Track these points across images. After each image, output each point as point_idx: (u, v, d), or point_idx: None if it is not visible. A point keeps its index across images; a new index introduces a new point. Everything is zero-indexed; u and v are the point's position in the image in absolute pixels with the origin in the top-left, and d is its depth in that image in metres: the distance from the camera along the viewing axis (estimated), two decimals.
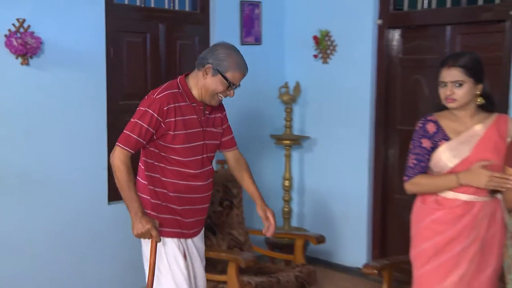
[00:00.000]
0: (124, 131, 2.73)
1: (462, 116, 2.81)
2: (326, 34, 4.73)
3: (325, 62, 4.78)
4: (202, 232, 3.16)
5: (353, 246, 4.80)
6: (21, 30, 3.38)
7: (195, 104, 2.84)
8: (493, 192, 2.78)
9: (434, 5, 4.37)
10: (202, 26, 4.54)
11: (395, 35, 4.56)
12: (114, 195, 3.95)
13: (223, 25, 4.58)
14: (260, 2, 4.81)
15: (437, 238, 2.84)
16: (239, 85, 2.85)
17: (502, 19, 3.91)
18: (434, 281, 2.84)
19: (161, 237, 2.86)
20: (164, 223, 2.88)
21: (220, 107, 3.02)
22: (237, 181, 3.44)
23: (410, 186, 2.91)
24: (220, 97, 2.82)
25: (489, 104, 2.83)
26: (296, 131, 5.01)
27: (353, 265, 4.67)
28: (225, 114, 3.08)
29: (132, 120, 2.72)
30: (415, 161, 2.89)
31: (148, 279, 2.89)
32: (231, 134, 3.10)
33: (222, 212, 3.96)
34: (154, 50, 4.25)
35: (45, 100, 3.60)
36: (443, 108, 2.86)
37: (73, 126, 3.76)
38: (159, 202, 2.85)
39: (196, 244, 3.07)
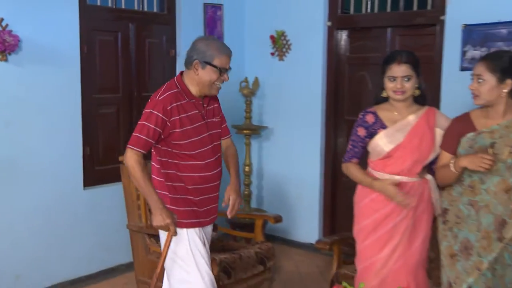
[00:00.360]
0: (133, 133, 2.74)
1: (400, 107, 2.92)
2: (281, 34, 4.91)
3: (281, 59, 4.95)
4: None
5: (306, 224, 4.96)
6: (0, 28, 3.46)
7: (193, 101, 2.84)
8: (422, 173, 2.94)
9: (376, 9, 4.60)
10: (169, 26, 4.63)
11: (343, 36, 4.76)
12: (89, 181, 4.12)
13: (188, 25, 4.67)
14: (222, 4, 4.91)
15: (374, 215, 2.98)
16: (230, 68, 2.84)
17: (433, 23, 4.18)
18: (373, 253, 2.98)
19: (184, 228, 2.87)
20: (184, 215, 2.88)
21: (215, 98, 3.03)
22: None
23: (344, 168, 3.06)
24: (218, 85, 2.83)
25: (422, 97, 2.96)
26: (255, 122, 5.14)
27: (306, 241, 4.86)
28: (219, 104, 3.08)
29: (139, 122, 2.73)
30: (350, 146, 3.04)
31: (158, 268, 2.88)
32: (225, 123, 3.13)
33: None
34: (124, 47, 4.33)
35: (24, 93, 3.67)
36: (383, 100, 2.97)
37: (50, 117, 3.83)
38: (178, 196, 2.83)
39: (209, 231, 3.09)
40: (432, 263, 3.23)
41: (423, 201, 2.96)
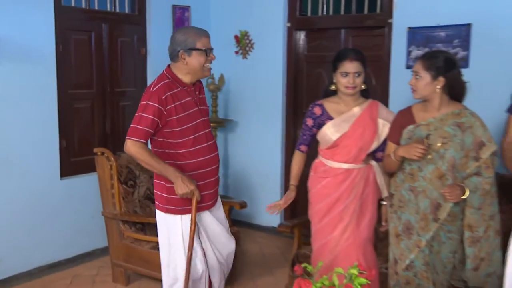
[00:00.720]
0: (131, 125, 2.71)
1: (348, 100, 3.00)
2: (245, 34, 4.99)
3: (244, 57, 5.04)
4: (219, 202, 3.11)
5: None
6: None
7: (186, 88, 2.83)
8: (366, 160, 3.02)
9: (331, 12, 4.72)
10: (140, 26, 4.69)
11: (301, 36, 4.85)
12: (65, 171, 4.19)
13: (158, 25, 4.74)
14: (189, 6, 4.95)
15: (326, 200, 3.06)
16: (212, 48, 2.83)
17: (382, 25, 4.33)
18: (326, 233, 3.07)
19: (179, 215, 2.85)
20: (179, 202, 2.83)
21: (203, 90, 3.02)
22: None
23: (294, 155, 3.20)
24: (208, 66, 2.82)
25: (366, 91, 3.05)
26: (221, 115, 5.21)
27: (269, 225, 4.98)
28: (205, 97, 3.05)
29: (136, 114, 2.71)
30: (300, 135, 3.16)
31: (189, 244, 2.84)
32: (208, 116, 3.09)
33: None
34: (98, 46, 4.40)
35: (2, 90, 3.72)
36: (331, 94, 3.05)
37: (28, 112, 3.88)
38: (173, 185, 2.75)
39: (215, 214, 3.03)
40: (382, 242, 3.36)
41: (369, 185, 3.05)
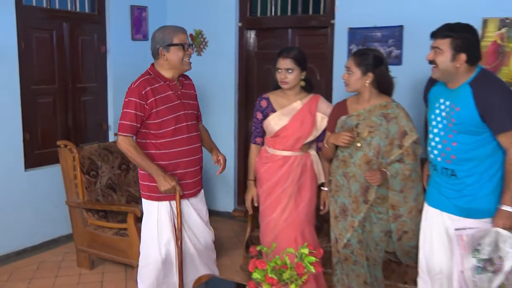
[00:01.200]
0: (119, 122, 2.81)
1: (289, 94, 3.10)
2: (199, 33, 5.09)
3: (199, 54, 5.12)
4: (202, 194, 3.13)
5: (224, 196, 5.17)
6: None
7: (167, 82, 2.86)
8: (304, 148, 3.12)
9: (279, 13, 4.87)
10: (100, 25, 4.75)
11: (252, 35, 4.98)
12: (29, 163, 4.24)
13: (117, 24, 4.80)
14: (146, 6, 5.02)
15: (268, 183, 3.16)
16: (190, 43, 2.89)
17: (325, 26, 4.49)
18: (268, 214, 3.18)
19: (155, 202, 2.90)
20: (157, 189, 2.85)
21: (191, 86, 3.08)
22: None
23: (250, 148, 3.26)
24: (187, 60, 2.86)
25: (309, 87, 3.14)
26: None
27: (225, 210, 5.10)
28: (195, 92, 3.11)
29: (122, 111, 2.79)
30: (253, 129, 3.25)
31: (177, 232, 2.90)
32: (199, 110, 3.16)
33: (120, 174, 4.17)
34: (59, 44, 4.46)
35: None
36: (278, 87, 3.13)
37: None
38: None
39: (196, 206, 3.05)
40: (327, 224, 3.38)
41: (306, 171, 3.15)
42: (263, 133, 3.23)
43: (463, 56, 2.50)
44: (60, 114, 4.59)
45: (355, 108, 2.92)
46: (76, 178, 3.89)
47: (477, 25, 3.69)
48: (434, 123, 2.70)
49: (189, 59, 2.87)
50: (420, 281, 2.86)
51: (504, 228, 2.45)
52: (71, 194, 3.94)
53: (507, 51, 3.69)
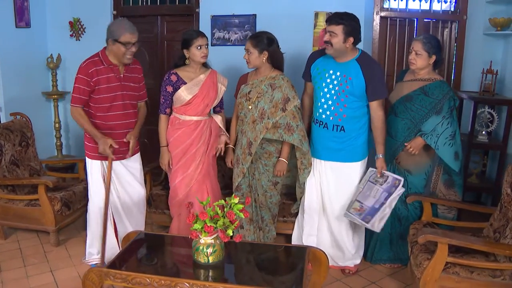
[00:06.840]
0: (72, 94, 3.06)
1: (196, 68, 3.29)
2: (77, 20, 5.21)
3: (77, 39, 5.24)
4: (138, 156, 3.41)
5: None
6: None
7: (111, 66, 3.07)
8: (209, 113, 3.35)
9: (149, 2, 5.06)
10: None
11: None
12: None
13: (0, 13, 4.62)
14: None
15: (182, 145, 3.33)
16: (135, 42, 3.03)
17: (191, 13, 4.79)
18: (183, 171, 3.36)
19: (91, 160, 3.20)
20: (92, 149, 3.20)
21: (138, 70, 3.26)
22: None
23: (160, 118, 3.37)
24: (126, 56, 3.04)
25: (206, 63, 3.31)
26: (60, 88, 5.35)
27: None
28: (142, 76, 3.29)
29: (74, 85, 3.04)
30: (162, 101, 3.34)
31: (105, 191, 3.19)
32: (143, 91, 3.34)
33: (21, 150, 4.22)
34: None
35: None
36: (181, 65, 3.29)
37: None
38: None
39: (129, 165, 3.35)
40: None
41: (213, 131, 3.40)
42: (171, 104, 3.38)
43: (351, 39, 2.93)
44: None
45: (252, 79, 3.23)
46: None
47: (311, 17, 4.44)
48: (326, 89, 3.06)
49: (130, 55, 3.09)
50: (306, 216, 3.36)
51: (382, 169, 3.15)
52: None
53: None
